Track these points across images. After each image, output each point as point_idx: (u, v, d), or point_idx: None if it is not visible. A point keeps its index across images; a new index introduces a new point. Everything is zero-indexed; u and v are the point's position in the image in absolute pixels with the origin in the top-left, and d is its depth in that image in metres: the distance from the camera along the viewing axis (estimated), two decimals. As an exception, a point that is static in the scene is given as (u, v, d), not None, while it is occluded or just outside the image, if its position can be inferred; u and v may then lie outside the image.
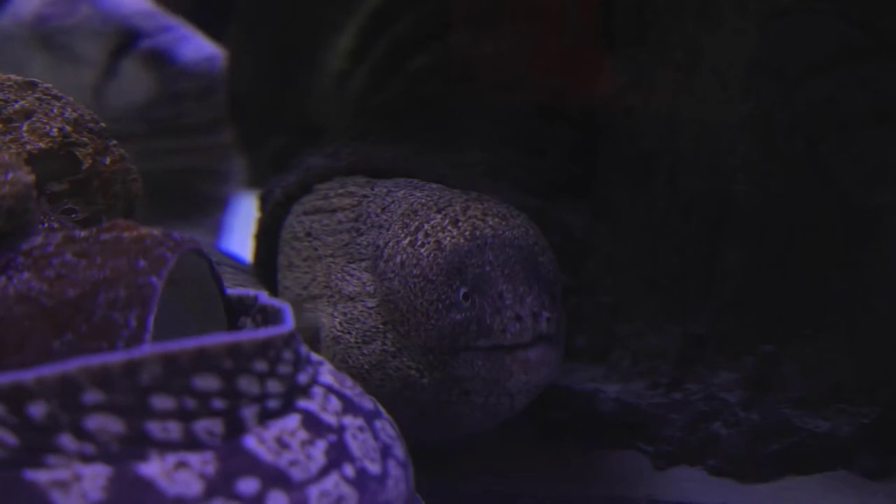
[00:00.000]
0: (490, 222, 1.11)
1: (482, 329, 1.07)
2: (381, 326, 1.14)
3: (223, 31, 1.74)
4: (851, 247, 1.27)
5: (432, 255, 1.10)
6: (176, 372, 0.70)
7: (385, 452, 0.81)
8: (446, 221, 1.12)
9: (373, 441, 0.80)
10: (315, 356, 0.85)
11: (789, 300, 1.29)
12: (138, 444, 0.68)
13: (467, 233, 1.10)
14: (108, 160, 1.02)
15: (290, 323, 0.79)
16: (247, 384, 0.73)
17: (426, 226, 1.13)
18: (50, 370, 0.67)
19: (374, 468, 0.78)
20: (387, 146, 1.39)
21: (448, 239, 1.10)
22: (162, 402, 0.69)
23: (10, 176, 0.81)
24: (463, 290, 1.08)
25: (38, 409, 0.67)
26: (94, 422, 0.67)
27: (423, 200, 1.18)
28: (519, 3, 1.50)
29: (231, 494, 0.70)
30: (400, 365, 1.12)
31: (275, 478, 0.72)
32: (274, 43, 1.73)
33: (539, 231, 1.16)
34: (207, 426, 0.71)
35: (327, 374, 0.82)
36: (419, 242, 1.12)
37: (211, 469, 0.70)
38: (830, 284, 1.28)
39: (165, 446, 0.69)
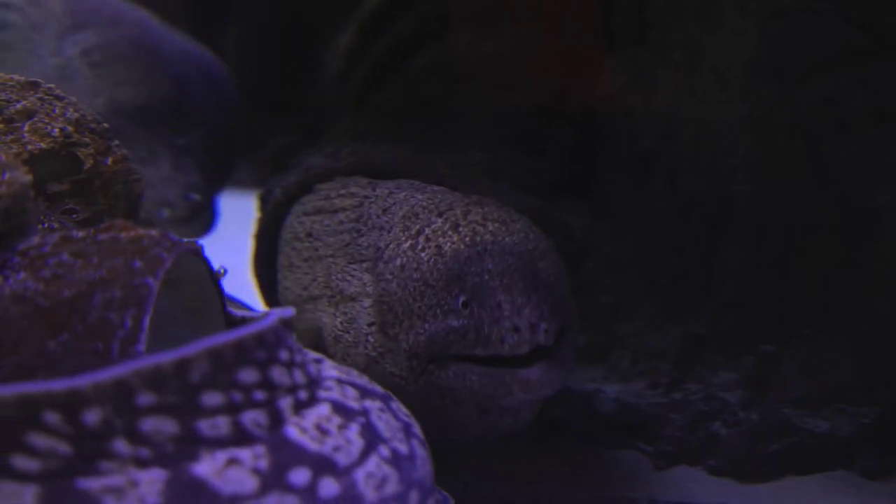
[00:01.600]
0: (490, 227, 1.11)
1: (480, 338, 1.06)
2: (365, 328, 1.14)
3: (223, 30, 1.74)
4: (851, 247, 1.26)
5: (433, 259, 1.10)
6: (222, 367, 0.70)
7: (407, 432, 0.82)
8: (447, 226, 1.12)
9: (395, 421, 0.81)
10: (313, 353, 0.85)
11: (789, 300, 1.29)
12: (190, 444, 0.68)
13: (467, 238, 1.10)
14: (109, 160, 1.02)
15: (272, 318, 0.80)
16: (279, 374, 0.74)
17: (427, 230, 1.12)
18: (104, 375, 0.66)
19: (402, 448, 0.79)
20: (387, 146, 1.39)
21: (449, 244, 1.10)
22: (211, 398, 0.70)
23: (7, 176, 0.81)
24: (462, 298, 1.07)
25: (93, 416, 0.66)
26: (149, 424, 0.67)
27: (425, 203, 1.17)
28: (519, 3, 1.50)
29: (285, 487, 0.70)
30: (382, 371, 1.12)
31: (323, 465, 0.72)
32: (273, 42, 1.73)
33: (541, 234, 1.15)
34: (254, 417, 0.71)
35: (332, 369, 0.83)
36: (420, 246, 1.11)
37: (263, 463, 0.70)
38: (830, 284, 1.28)
39: (216, 443, 0.69)
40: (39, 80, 1.05)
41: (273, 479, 0.70)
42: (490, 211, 1.14)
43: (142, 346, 0.73)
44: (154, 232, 0.81)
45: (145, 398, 0.67)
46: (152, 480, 0.67)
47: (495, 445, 1.24)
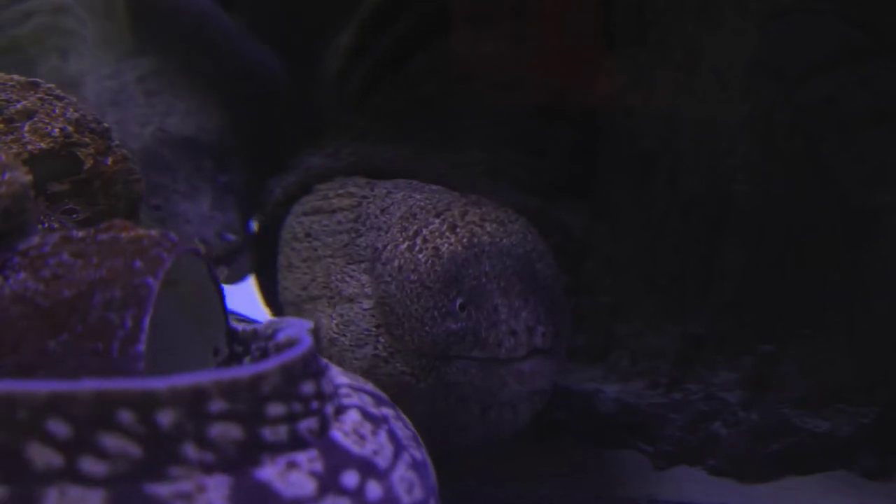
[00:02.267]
0: (488, 228, 1.11)
1: (477, 341, 1.06)
2: (373, 329, 1.14)
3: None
4: (851, 247, 1.27)
5: (430, 261, 1.10)
6: (290, 380, 0.71)
7: (417, 440, 0.83)
8: (444, 227, 1.11)
9: (406, 429, 0.82)
10: (320, 359, 0.86)
11: (789, 300, 1.29)
12: (253, 450, 0.69)
13: (465, 240, 1.09)
14: (109, 160, 1.02)
15: (302, 328, 0.81)
16: (326, 383, 0.76)
17: (425, 231, 1.12)
18: (182, 380, 0.66)
19: (418, 455, 0.80)
20: (387, 146, 1.39)
21: (446, 246, 1.10)
22: (276, 408, 0.70)
23: (7, 176, 0.81)
24: (459, 301, 1.07)
25: (166, 418, 0.66)
26: (217, 430, 0.67)
27: (422, 204, 1.17)
28: (519, 3, 1.50)
29: (339, 489, 0.71)
30: (392, 371, 1.11)
31: (368, 468, 0.73)
32: (274, 42, 1.73)
33: (538, 235, 1.15)
34: (308, 425, 0.72)
35: (340, 375, 0.84)
36: (417, 248, 1.11)
37: (318, 466, 0.71)
38: (830, 284, 1.28)
39: (276, 448, 0.70)
40: (40, 81, 1.05)
41: (328, 482, 0.70)
42: (488, 211, 1.14)
43: (142, 346, 0.73)
44: (154, 232, 0.81)
45: (217, 405, 0.67)
46: (218, 485, 0.66)
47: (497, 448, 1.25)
